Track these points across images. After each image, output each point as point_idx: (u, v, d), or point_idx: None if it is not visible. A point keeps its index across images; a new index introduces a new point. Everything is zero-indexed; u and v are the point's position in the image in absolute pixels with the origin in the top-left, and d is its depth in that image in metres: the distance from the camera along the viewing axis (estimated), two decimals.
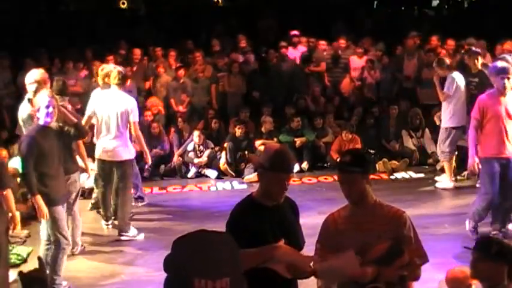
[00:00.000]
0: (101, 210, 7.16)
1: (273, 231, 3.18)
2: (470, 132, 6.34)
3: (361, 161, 3.27)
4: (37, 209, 5.19)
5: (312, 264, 3.14)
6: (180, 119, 9.96)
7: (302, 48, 11.69)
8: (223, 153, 9.49)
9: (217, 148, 9.66)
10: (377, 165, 9.26)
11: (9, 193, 5.11)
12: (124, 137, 6.74)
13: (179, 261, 1.70)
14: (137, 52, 10.74)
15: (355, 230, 3.20)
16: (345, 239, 3.19)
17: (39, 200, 5.15)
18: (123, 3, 17.05)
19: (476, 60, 8.10)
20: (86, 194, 7.91)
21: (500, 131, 6.12)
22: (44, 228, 5.53)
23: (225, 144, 9.54)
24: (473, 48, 8.53)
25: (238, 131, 9.50)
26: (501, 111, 6.11)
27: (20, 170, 5.31)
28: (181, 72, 10.43)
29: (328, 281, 3.24)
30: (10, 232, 5.43)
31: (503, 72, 6.12)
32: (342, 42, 11.54)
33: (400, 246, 3.13)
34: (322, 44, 11.64)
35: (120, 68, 7.05)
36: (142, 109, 8.98)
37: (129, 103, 6.78)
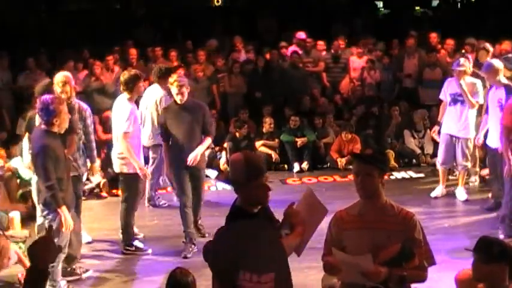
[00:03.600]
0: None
1: None
2: None
3: (381, 159, 3.38)
4: (63, 220, 5.06)
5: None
6: None
7: None
8: (224, 153, 9.49)
9: (217, 148, 9.65)
10: None
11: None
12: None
13: (224, 252, 1.68)
14: (133, 52, 10.73)
15: (365, 229, 3.23)
16: (355, 237, 3.22)
17: (65, 211, 5.08)
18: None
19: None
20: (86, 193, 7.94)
21: None
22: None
23: (225, 144, 9.54)
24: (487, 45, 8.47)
25: (239, 132, 9.50)
26: None
27: (41, 182, 5.12)
28: (180, 72, 10.39)
29: (343, 268, 3.24)
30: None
31: None
32: (342, 42, 11.53)
33: (411, 249, 3.15)
34: (320, 44, 11.63)
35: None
36: None
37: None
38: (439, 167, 8.00)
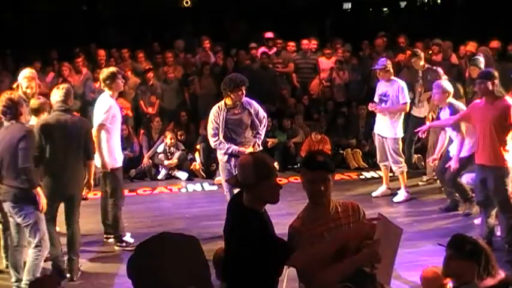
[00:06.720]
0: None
1: (271, 234, 3.31)
2: None
3: (331, 162, 3.40)
4: (38, 199, 5.10)
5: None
6: (157, 119, 9.86)
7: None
8: (197, 154, 9.46)
9: (187, 150, 9.61)
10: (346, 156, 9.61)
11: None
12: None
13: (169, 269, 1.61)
14: (101, 53, 10.61)
15: (327, 231, 3.26)
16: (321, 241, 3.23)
17: (40, 191, 5.14)
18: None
19: (420, 60, 8.49)
20: None
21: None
22: (20, 231, 5.33)
23: (198, 146, 9.51)
24: (418, 51, 8.78)
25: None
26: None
27: (19, 163, 5.02)
28: (150, 74, 10.34)
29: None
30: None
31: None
32: (311, 43, 11.59)
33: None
34: (291, 45, 11.68)
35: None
36: None
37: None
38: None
